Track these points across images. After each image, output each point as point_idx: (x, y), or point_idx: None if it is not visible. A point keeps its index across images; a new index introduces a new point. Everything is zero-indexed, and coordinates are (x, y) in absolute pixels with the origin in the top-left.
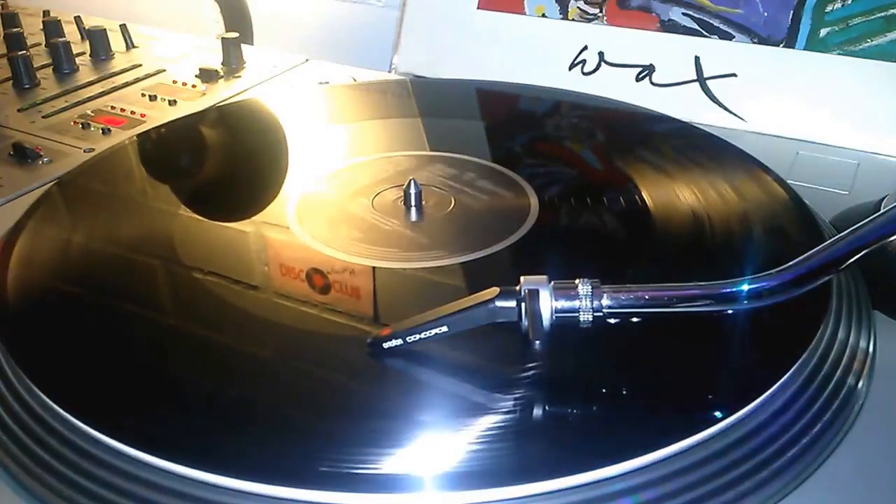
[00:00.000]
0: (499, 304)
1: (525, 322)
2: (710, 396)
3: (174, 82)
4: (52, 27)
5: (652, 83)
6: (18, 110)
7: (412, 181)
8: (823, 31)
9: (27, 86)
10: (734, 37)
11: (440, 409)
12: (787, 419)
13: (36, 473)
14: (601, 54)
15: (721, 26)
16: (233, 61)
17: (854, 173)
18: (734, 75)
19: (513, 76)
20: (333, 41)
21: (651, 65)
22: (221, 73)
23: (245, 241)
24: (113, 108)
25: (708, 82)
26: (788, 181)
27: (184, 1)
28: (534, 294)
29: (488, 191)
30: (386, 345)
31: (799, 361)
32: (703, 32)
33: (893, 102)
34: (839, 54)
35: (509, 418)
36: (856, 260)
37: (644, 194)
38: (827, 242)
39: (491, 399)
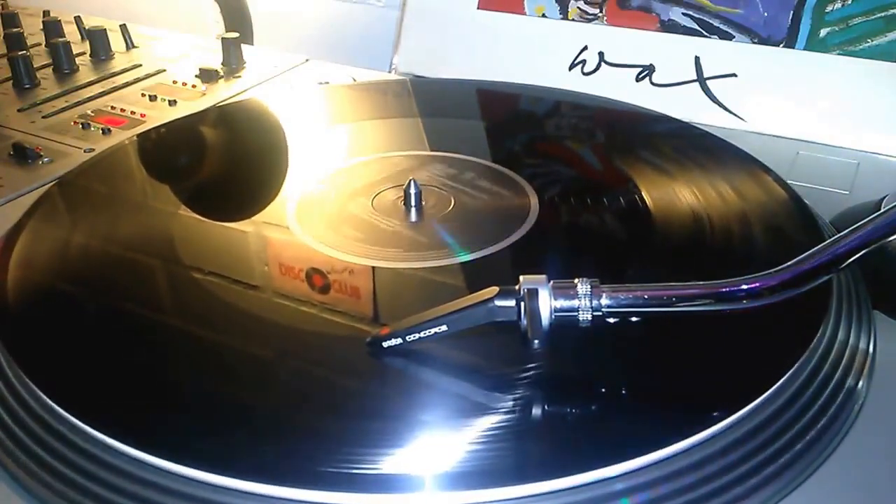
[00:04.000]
0: (498, 303)
1: (524, 321)
2: (709, 396)
3: (174, 82)
4: (52, 27)
5: (652, 83)
6: (18, 110)
7: (412, 181)
8: (823, 31)
9: (27, 86)
10: (734, 37)
11: (440, 409)
12: (787, 419)
13: (36, 473)
14: (601, 54)
15: (721, 26)
16: (233, 61)
17: (854, 173)
18: (734, 75)
19: (513, 76)
20: (333, 41)
21: (651, 65)
22: (221, 74)
23: (245, 241)
24: (113, 108)
25: (708, 82)
26: (788, 181)
27: (184, 1)
28: (533, 293)
29: (488, 191)
30: (385, 344)
31: (799, 361)
32: (703, 32)
33: (893, 102)
34: (839, 54)
35: (509, 418)
36: (855, 259)
37: (644, 194)
38: (826, 242)
39: (490, 398)
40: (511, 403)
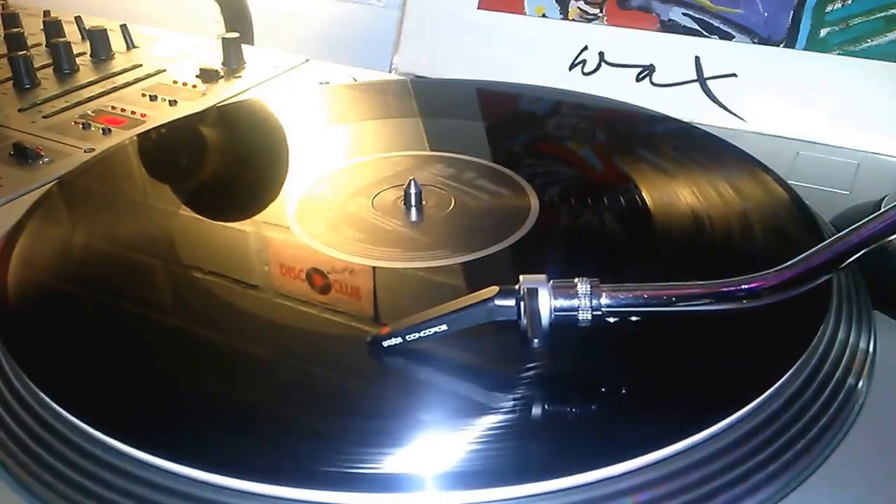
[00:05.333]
0: (498, 302)
1: (524, 321)
2: (709, 396)
3: (174, 82)
4: (52, 27)
5: (652, 83)
6: (19, 110)
7: (412, 181)
8: (823, 31)
9: (27, 86)
10: (734, 37)
11: (440, 408)
12: (788, 419)
13: (36, 473)
14: (601, 54)
15: (721, 26)
16: (233, 61)
17: (854, 173)
18: (734, 75)
19: (513, 76)
20: (334, 41)
21: (651, 65)
22: (222, 74)
23: (245, 241)
24: (113, 108)
25: (708, 82)
26: (789, 181)
27: (184, 1)
28: (533, 293)
29: (488, 191)
30: (385, 343)
31: (799, 361)
32: (704, 32)
33: (894, 102)
34: (839, 54)
35: (509, 417)
36: (855, 259)
37: (644, 194)
38: (826, 242)
39: (491, 398)
40: (511, 403)
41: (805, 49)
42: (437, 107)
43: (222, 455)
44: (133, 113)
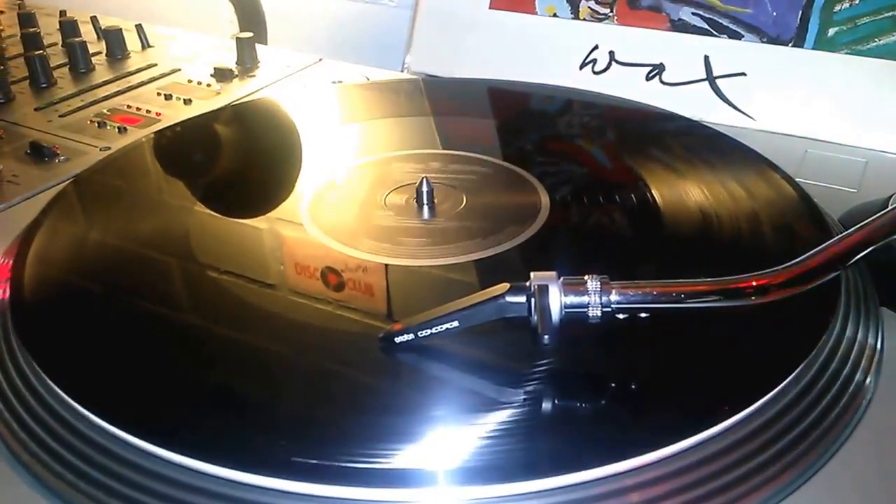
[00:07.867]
0: (508, 299)
1: (534, 317)
2: (717, 393)
3: (189, 81)
4: (68, 27)
5: (662, 82)
6: (35, 109)
7: (424, 179)
8: (832, 31)
9: (44, 85)
10: (743, 36)
11: (451, 404)
12: (795, 415)
13: (52, 467)
14: (612, 53)
15: (730, 26)
16: (247, 61)
17: (862, 171)
18: (743, 74)
19: (524, 75)
20: (346, 41)
21: (661, 64)
22: (236, 73)
23: (259, 238)
24: (129, 107)
25: (717, 81)
26: (797, 179)
27: (199, 1)
28: (543, 290)
29: (499, 189)
30: (397, 340)
31: (807, 358)
32: (713, 32)
33: None
34: (847, 54)
35: (520, 414)
36: (862, 256)
37: (654, 192)
38: (834, 239)
39: (502, 394)
40: (522, 399)
41: (813, 48)
42: (448, 106)
43: (235, 450)
44: (148, 112)
